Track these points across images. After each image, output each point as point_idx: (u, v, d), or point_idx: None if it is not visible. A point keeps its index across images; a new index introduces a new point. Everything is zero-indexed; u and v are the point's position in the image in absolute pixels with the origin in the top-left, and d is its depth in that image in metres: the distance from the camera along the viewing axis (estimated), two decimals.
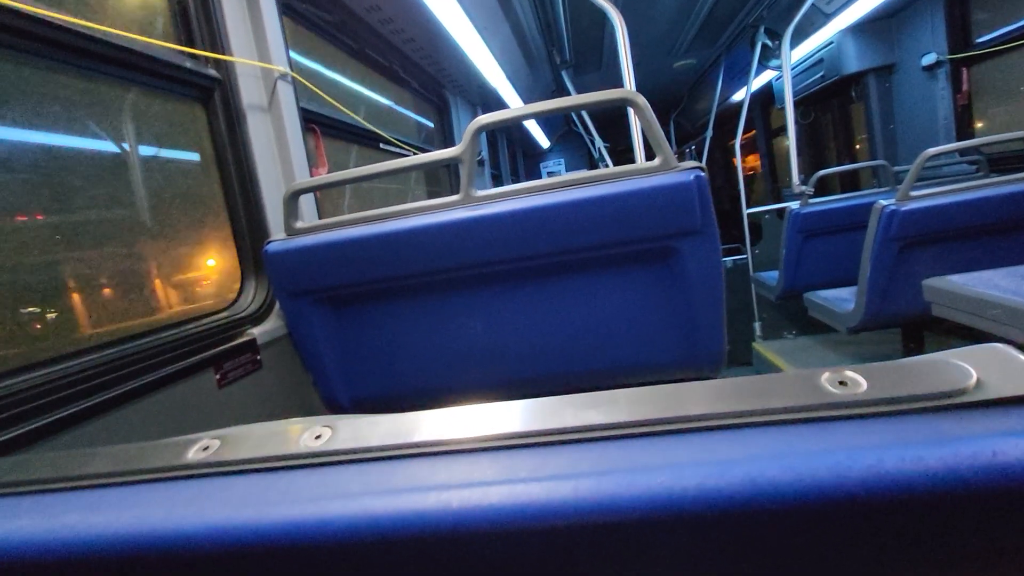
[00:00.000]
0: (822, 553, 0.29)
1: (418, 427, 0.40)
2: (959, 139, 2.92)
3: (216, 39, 1.29)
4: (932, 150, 1.89)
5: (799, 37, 3.62)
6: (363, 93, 2.52)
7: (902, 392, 0.32)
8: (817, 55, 3.78)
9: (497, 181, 4.89)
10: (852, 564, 0.30)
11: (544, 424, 0.36)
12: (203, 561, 0.36)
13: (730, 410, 0.33)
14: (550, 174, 7.78)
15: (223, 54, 1.30)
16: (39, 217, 0.91)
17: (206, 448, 0.42)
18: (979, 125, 2.91)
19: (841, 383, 0.34)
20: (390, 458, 0.38)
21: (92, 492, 0.41)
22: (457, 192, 1.13)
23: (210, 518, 0.36)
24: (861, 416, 0.32)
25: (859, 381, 0.34)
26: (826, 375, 0.35)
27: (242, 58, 1.35)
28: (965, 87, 2.88)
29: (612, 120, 5.94)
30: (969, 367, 0.33)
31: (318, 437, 0.40)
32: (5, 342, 0.81)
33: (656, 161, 1.08)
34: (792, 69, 3.87)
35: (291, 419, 0.48)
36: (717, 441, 0.32)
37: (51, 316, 0.90)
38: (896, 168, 2.93)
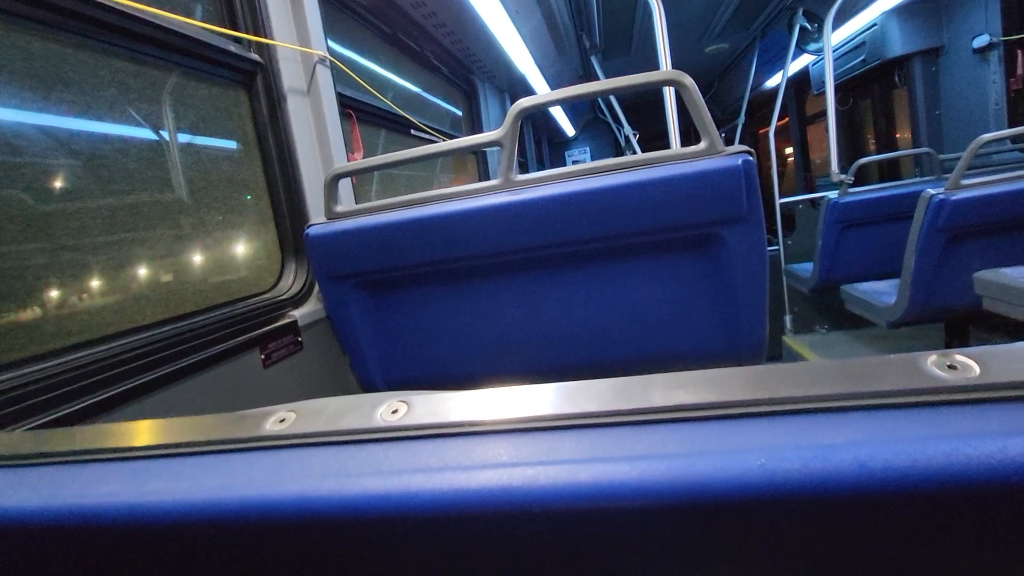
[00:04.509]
0: (942, 542, 0.28)
1: (495, 403, 0.40)
2: (1012, 126, 2.78)
3: (259, 23, 1.30)
4: (986, 136, 1.80)
5: (841, 19, 3.48)
6: (394, 79, 2.52)
7: (1020, 377, 0.30)
8: (858, 38, 3.63)
9: (523, 168, 4.87)
10: (975, 554, 0.28)
11: (633, 403, 0.36)
12: (284, 530, 0.36)
13: (828, 393, 0.32)
14: (575, 162, 7.70)
15: (265, 38, 1.31)
16: (97, 200, 0.93)
17: (283, 420, 0.43)
18: None
19: (950, 367, 0.32)
20: (468, 434, 0.38)
21: (175, 460, 0.42)
22: (485, 180, 1.12)
23: (292, 488, 0.37)
24: (978, 401, 0.30)
25: (970, 365, 0.32)
26: (932, 358, 0.33)
27: (283, 42, 1.36)
28: (1020, 71, 2.73)
29: (640, 107, 5.83)
30: None
31: (395, 412, 0.40)
32: (69, 319, 0.84)
33: (702, 145, 1.05)
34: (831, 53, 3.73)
35: (361, 394, 0.49)
36: (820, 424, 0.31)
37: (107, 295, 0.92)
38: (942, 156, 2.80)
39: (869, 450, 0.28)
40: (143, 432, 0.45)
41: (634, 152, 4.19)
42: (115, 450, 0.43)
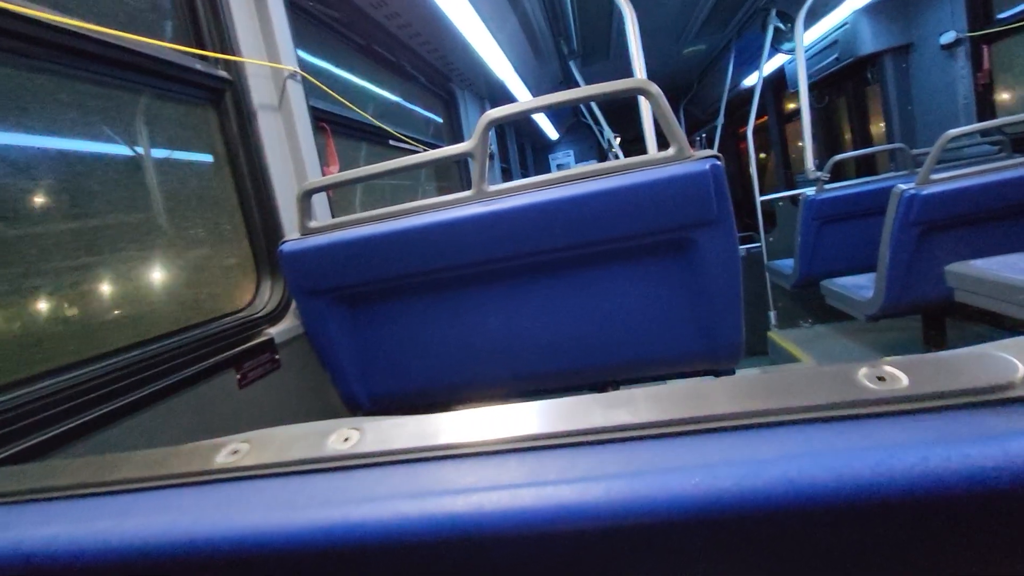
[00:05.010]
0: (866, 554, 0.29)
1: (444, 428, 0.40)
2: (980, 120, 2.84)
3: (226, 40, 1.29)
4: (953, 131, 1.84)
5: (812, 18, 3.54)
6: (371, 89, 2.51)
7: (945, 387, 0.31)
8: (831, 36, 3.69)
9: (506, 174, 4.88)
10: (898, 565, 0.29)
11: (571, 424, 0.36)
12: (234, 566, 0.36)
13: (763, 408, 0.33)
14: (559, 166, 7.73)
15: (233, 55, 1.30)
16: (58, 223, 0.92)
17: (235, 452, 0.42)
18: (1001, 104, 2.83)
19: (880, 378, 0.33)
20: (418, 460, 0.38)
21: (123, 497, 0.42)
22: (468, 187, 1.12)
23: (241, 522, 0.36)
24: (903, 413, 0.31)
25: (899, 376, 0.33)
26: (863, 370, 0.34)
27: (252, 58, 1.35)
28: (986, 66, 2.80)
29: (621, 110, 5.88)
30: (1015, 360, 0.32)
31: (346, 440, 0.40)
32: (26, 348, 0.82)
33: (670, 151, 1.07)
34: (805, 52, 3.79)
35: (316, 421, 0.48)
36: (752, 440, 0.32)
37: (72, 320, 0.91)
38: (915, 151, 2.86)
39: (798, 464, 0.29)
40: (92, 468, 0.45)
41: (616, 155, 4.23)
42: (61, 488, 0.43)
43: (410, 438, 0.39)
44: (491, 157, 3.87)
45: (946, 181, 1.84)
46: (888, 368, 0.33)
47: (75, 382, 0.81)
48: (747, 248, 3.82)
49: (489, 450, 0.37)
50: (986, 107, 2.85)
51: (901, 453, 0.28)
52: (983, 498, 0.27)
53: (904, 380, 0.32)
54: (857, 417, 0.31)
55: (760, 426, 0.33)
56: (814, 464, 0.29)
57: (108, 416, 0.83)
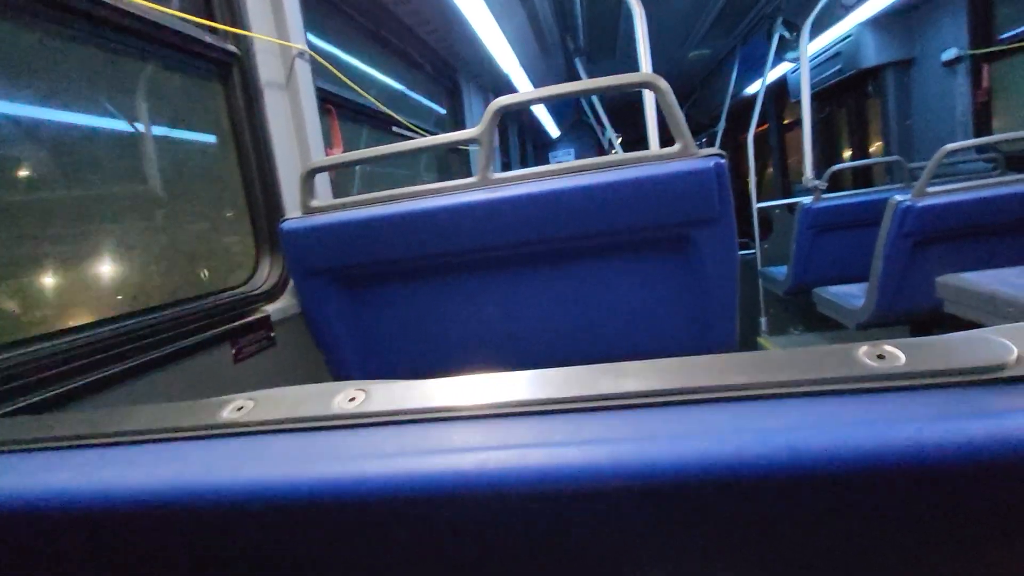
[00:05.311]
0: (864, 522, 0.30)
1: (451, 391, 0.41)
2: (977, 136, 2.88)
3: (236, 13, 1.28)
4: (950, 146, 1.87)
5: (817, 29, 3.57)
6: (376, 75, 2.50)
7: (942, 366, 0.32)
8: (835, 48, 3.72)
9: (507, 169, 4.87)
10: (896, 533, 0.30)
11: (580, 391, 0.37)
12: (240, 517, 0.37)
13: (768, 380, 0.34)
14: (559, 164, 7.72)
15: (242, 29, 1.29)
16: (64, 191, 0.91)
17: (240, 408, 0.43)
18: (998, 123, 2.87)
19: (879, 356, 0.34)
20: (425, 421, 0.39)
21: (128, 448, 0.42)
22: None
23: (247, 475, 0.37)
24: (901, 388, 0.32)
25: (897, 355, 0.34)
26: (864, 348, 0.35)
27: (261, 34, 1.34)
28: (985, 84, 2.84)
29: (623, 110, 5.89)
30: (1010, 343, 0.33)
31: (352, 400, 0.41)
32: (31, 310, 0.82)
33: (676, 147, 1.08)
34: (809, 62, 3.81)
35: (322, 383, 0.49)
36: (757, 410, 0.33)
37: (64, 289, 0.91)
38: (911, 164, 2.90)
39: (801, 435, 0.30)
40: (96, 421, 0.45)
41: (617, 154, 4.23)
42: (67, 438, 0.43)
43: (417, 399, 0.40)
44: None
45: (941, 195, 1.87)
46: (887, 347, 0.35)
47: (72, 345, 0.81)
48: (742, 254, 3.85)
49: (493, 413, 0.38)
50: (983, 124, 2.89)
51: (899, 426, 0.29)
52: (976, 471, 0.28)
53: (902, 358, 0.33)
54: (857, 392, 0.32)
55: (765, 397, 0.34)
56: (816, 434, 0.30)
57: (104, 381, 0.82)
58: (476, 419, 0.38)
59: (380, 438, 0.38)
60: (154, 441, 0.42)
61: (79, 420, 0.46)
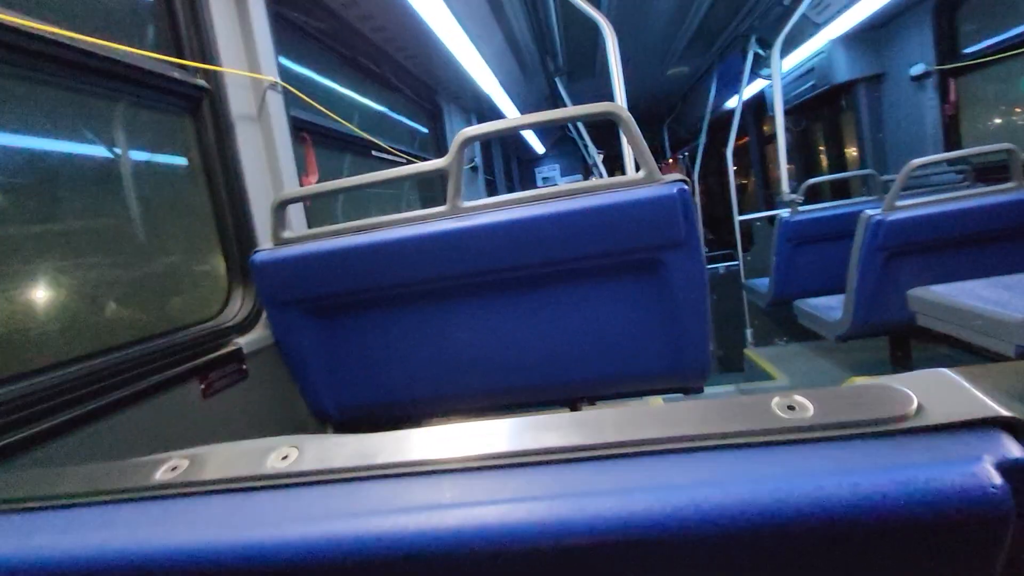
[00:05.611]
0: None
1: (385, 448, 0.41)
2: (946, 149, 2.95)
3: (205, 49, 1.29)
4: (916, 161, 1.91)
5: (790, 46, 3.66)
6: (356, 100, 2.53)
7: (847, 417, 0.33)
8: (808, 64, 3.82)
9: (491, 187, 4.91)
10: None
11: (504, 447, 0.37)
12: None
13: (680, 434, 0.34)
14: (545, 179, 7.80)
15: (212, 64, 1.30)
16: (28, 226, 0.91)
17: (175, 468, 0.42)
18: (967, 135, 2.95)
19: (790, 407, 0.35)
20: (355, 479, 0.39)
21: (61, 513, 0.42)
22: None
23: (175, 540, 0.37)
24: (806, 441, 0.33)
25: (807, 405, 0.35)
26: (776, 399, 0.36)
27: (231, 68, 1.36)
28: (952, 97, 2.91)
29: (606, 127, 5.96)
30: (911, 392, 0.34)
31: (285, 458, 0.41)
32: None
33: (640, 174, 1.10)
34: (784, 78, 3.90)
35: (262, 439, 0.49)
36: (668, 465, 0.33)
37: (40, 324, 0.90)
38: (884, 177, 2.96)
39: (705, 491, 0.30)
40: (22, 484, 0.44)
41: (600, 173, 4.28)
42: (1, 501, 0.42)
43: (349, 457, 0.40)
44: (475, 169, 3.90)
45: (910, 208, 1.91)
46: (798, 398, 0.35)
47: (27, 391, 0.80)
48: (727, 266, 3.89)
49: (423, 471, 0.38)
50: (952, 137, 2.96)
51: (799, 480, 0.30)
52: (871, 526, 0.28)
53: (811, 409, 0.34)
54: (767, 444, 0.33)
55: (679, 451, 0.34)
56: (719, 491, 0.30)
57: (64, 426, 0.81)
58: (408, 476, 0.38)
59: (309, 499, 0.38)
60: (87, 505, 0.42)
61: (14, 481, 0.45)
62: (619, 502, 0.31)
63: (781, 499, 0.29)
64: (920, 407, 0.33)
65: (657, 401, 1.69)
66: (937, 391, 0.34)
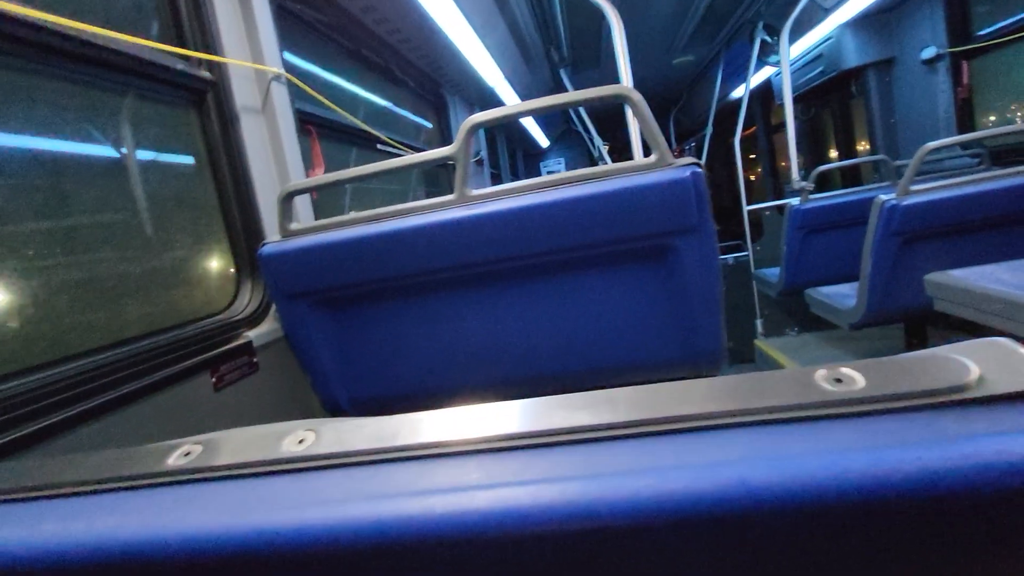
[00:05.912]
0: (818, 557, 0.28)
1: (403, 430, 0.39)
2: (960, 132, 2.90)
3: (209, 40, 1.28)
4: (931, 144, 1.87)
5: (798, 32, 3.60)
6: (360, 93, 2.51)
7: (901, 389, 0.31)
8: (816, 50, 3.76)
9: (496, 180, 4.89)
10: (850, 568, 0.28)
11: (530, 426, 0.35)
12: (181, 570, 0.35)
13: (720, 410, 0.32)
14: (550, 173, 7.76)
15: (216, 55, 1.29)
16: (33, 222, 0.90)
17: (187, 454, 0.41)
18: (981, 118, 2.89)
19: (837, 380, 0.33)
20: (374, 462, 0.37)
21: (72, 500, 0.40)
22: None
23: (189, 526, 0.35)
24: (858, 414, 0.31)
25: (855, 378, 0.32)
26: (821, 372, 0.34)
27: (235, 59, 1.34)
28: (965, 80, 2.86)
29: (610, 118, 5.93)
30: (970, 362, 0.32)
31: (301, 442, 0.39)
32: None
33: (652, 158, 1.07)
34: (792, 64, 3.85)
35: (277, 423, 0.47)
36: (708, 442, 0.31)
37: (49, 320, 0.89)
38: (897, 163, 2.90)
39: (751, 466, 0.28)
40: (42, 471, 0.43)
41: (606, 163, 4.25)
42: (7, 491, 0.41)
43: (367, 440, 0.38)
44: (480, 163, 3.88)
45: (925, 192, 1.87)
46: (845, 370, 0.33)
47: (43, 383, 0.79)
48: (735, 256, 3.85)
49: (447, 452, 0.36)
50: (965, 120, 2.91)
51: (854, 455, 0.28)
52: (936, 500, 0.27)
53: (860, 382, 0.32)
54: (814, 419, 0.31)
55: (719, 428, 0.32)
56: (767, 466, 0.28)
57: (75, 418, 0.81)
58: (428, 459, 0.37)
59: (326, 482, 0.36)
60: (98, 492, 0.41)
61: (25, 470, 0.44)
62: (658, 480, 0.29)
63: (836, 475, 0.27)
64: (981, 377, 0.30)
65: None
66: (996, 360, 0.32)
